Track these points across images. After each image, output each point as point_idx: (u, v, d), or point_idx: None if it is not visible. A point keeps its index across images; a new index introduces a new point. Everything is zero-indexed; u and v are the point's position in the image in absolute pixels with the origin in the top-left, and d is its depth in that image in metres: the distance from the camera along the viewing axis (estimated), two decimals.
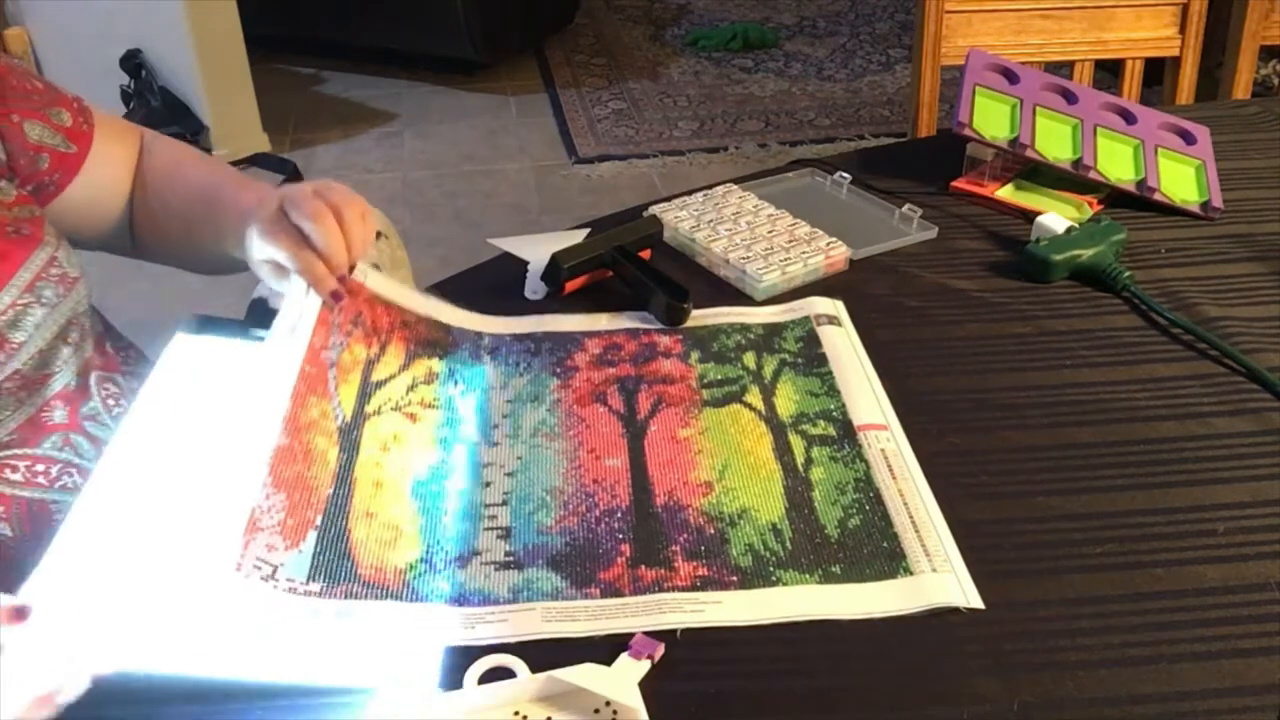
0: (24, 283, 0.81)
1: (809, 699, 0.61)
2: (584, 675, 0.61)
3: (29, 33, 0.84)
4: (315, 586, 0.64)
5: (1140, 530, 0.72)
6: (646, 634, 0.63)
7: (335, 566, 0.66)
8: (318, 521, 0.68)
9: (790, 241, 1.02)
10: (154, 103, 2.94)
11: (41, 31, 2.94)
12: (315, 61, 3.72)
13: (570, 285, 0.97)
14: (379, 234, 1.47)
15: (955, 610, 0.66)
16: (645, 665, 0.61)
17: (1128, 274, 0.98)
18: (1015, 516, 0.73)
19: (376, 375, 0.81)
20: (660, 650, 0.62)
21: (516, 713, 0.59)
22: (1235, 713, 0.60)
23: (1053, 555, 0.70)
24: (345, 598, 0.64)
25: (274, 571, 0.63)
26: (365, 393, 0.79)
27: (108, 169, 0.92)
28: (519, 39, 3.75)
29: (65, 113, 0.90)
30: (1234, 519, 0.73)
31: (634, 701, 0.59)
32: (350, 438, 0.75)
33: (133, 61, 2.95)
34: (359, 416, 0.77)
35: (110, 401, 0.88)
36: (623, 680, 0.60)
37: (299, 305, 0.79)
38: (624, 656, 0.62)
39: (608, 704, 0.59)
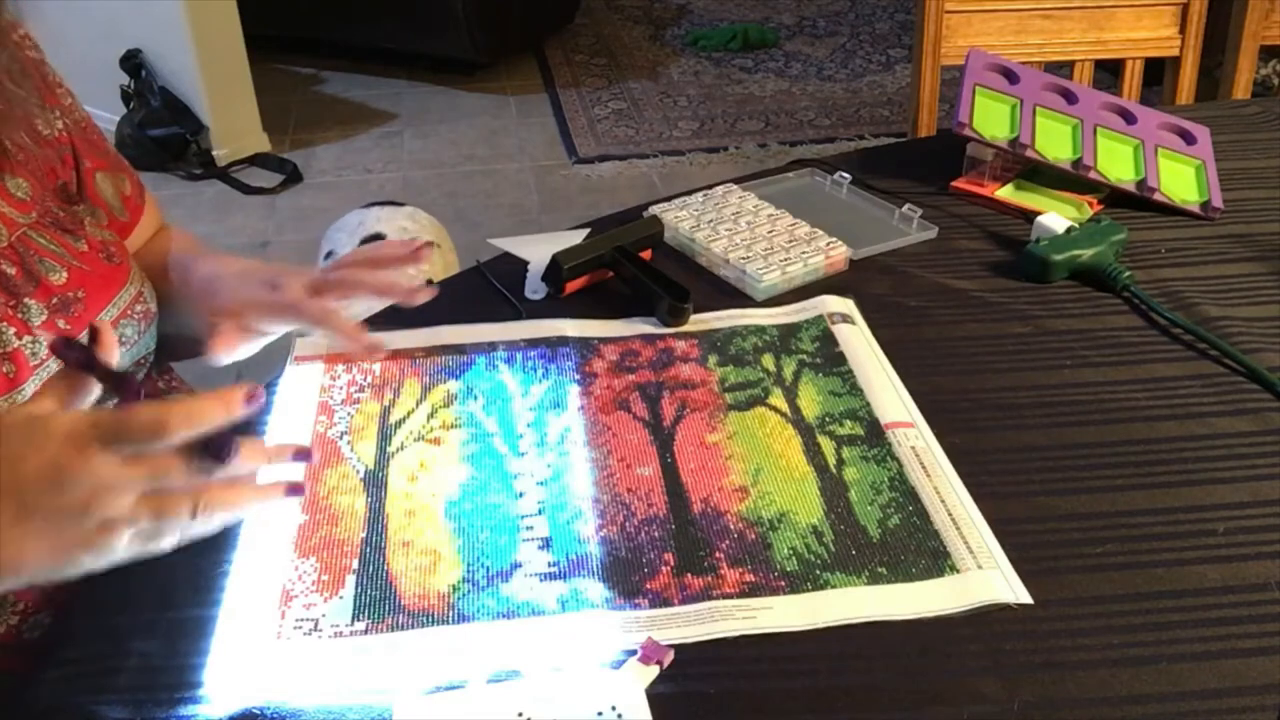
0: (111, 319, 0.81)
1: (809, 700, 0.61)
2: (590, 678, 0.61)
3: (29, 32, 0.84)
4: (360, 625, 0.64)
5: (1140, 530, 0.72)
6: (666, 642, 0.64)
7: (378, 602, 0.66)
8: (354, 566, 0.69)
9: (790, 241, 1.02)
10: (154, 103, 2.95)
11: (41, 31, 2.94)
12: (315, 61, 3.72)
13: (571, 285, 0.97)
14: (434, 244, 1.48)
15: (955, 611, 0.66)
16: (654, 671, 0.61)
17: (1128, 274, 0.99)
18: (1015, 516, 0.73)
19: (394, 417, 0.82)
20: (670, 656, 0.62)
21: (521, 713, 0.59)
22: (1235, 713, 0.60)
23: (1052, 555, 0.70)
24: (391, 630, 0.64)
25: (316, 624, 0.64)
26: (385, 436, 0.80)
27: (138, 244, 0.93)
28: (519, 39, 3.76)
29: (127, 181, 0.91)
30: (1234, 519, 0.73)
31: (640, 706, 0.59)
32: (377, 480, 0.76)
33: (133, 61, 2.95)
34: (383, 458, 0.78)
35: None
36: (629, 684, 0.60)
37: (296, 392, 0.83)
38: (632, 660, 0.62)
39: (612, 708, 0.59)
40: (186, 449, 0.55)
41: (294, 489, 0.60)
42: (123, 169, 0.91)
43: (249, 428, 0.80)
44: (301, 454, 0.63)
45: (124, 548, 0.55)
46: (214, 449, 0.55)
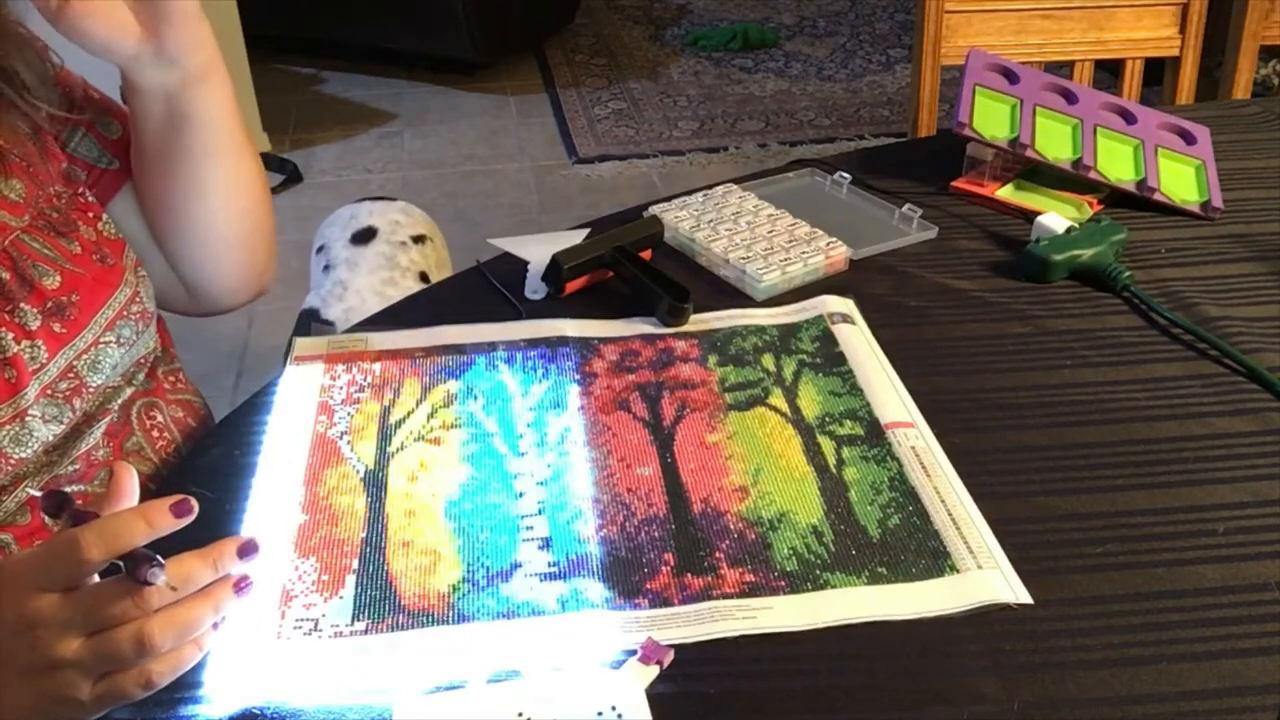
0: (106, 320, 0.79)
1: (809, 700, 0.61)
2: (590, 678, 0.61)
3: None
4: (360, 625, 0.64)
5: (1140, 530, 0.72)
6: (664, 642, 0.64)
7: (378, 602, 0.66)
8: (354, 566, 0.69)
9: (790, 241, 1.02)
10: None
11: (41, 31, 2.94)
12: (315, 61, 3.72)
13: (571, 285, 0.97)
14: (425, 238, 1.48)
15: (955, 611, 0.66)
16: (654, 671, 0.61)
17: (1128, 274, 0.99)
18: (1015, 516, 0.73)
19: (394, 417, 0.82)
20: (670, 656, 0.62)
21: (521, 713, 0.59)
22: (1235, 713, 0.60)
23: (1052, 555, 0.70)
24: (391, 630, 0.64)
25: (316, 624, 0.64)
26: (385, 436, 0.80)
27: None
28: (519, 39, 3.76)
29: (116, 124, 0.87)
30: (1234, 519, 0.73)
31: (640, 706, 0.59)
32: (377, 480, 0.76)
33: None
34: (383, 458, 0.77)
35: (155, 434, 0.86)
36: (629, 684, 0.60)
37: (296, 392, 0.83)
38: (632, 661, 0.62)
39: (612, 708, 0.59)
40: (122, 572, 0.53)
41: (242, 585, 0.58)
42: (111, 112, 0.87)
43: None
44: (248, 549, 0.58)
45: (91, 694, 0.54)
46: (132, 570, 0.53)
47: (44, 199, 0.79)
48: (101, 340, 0.79)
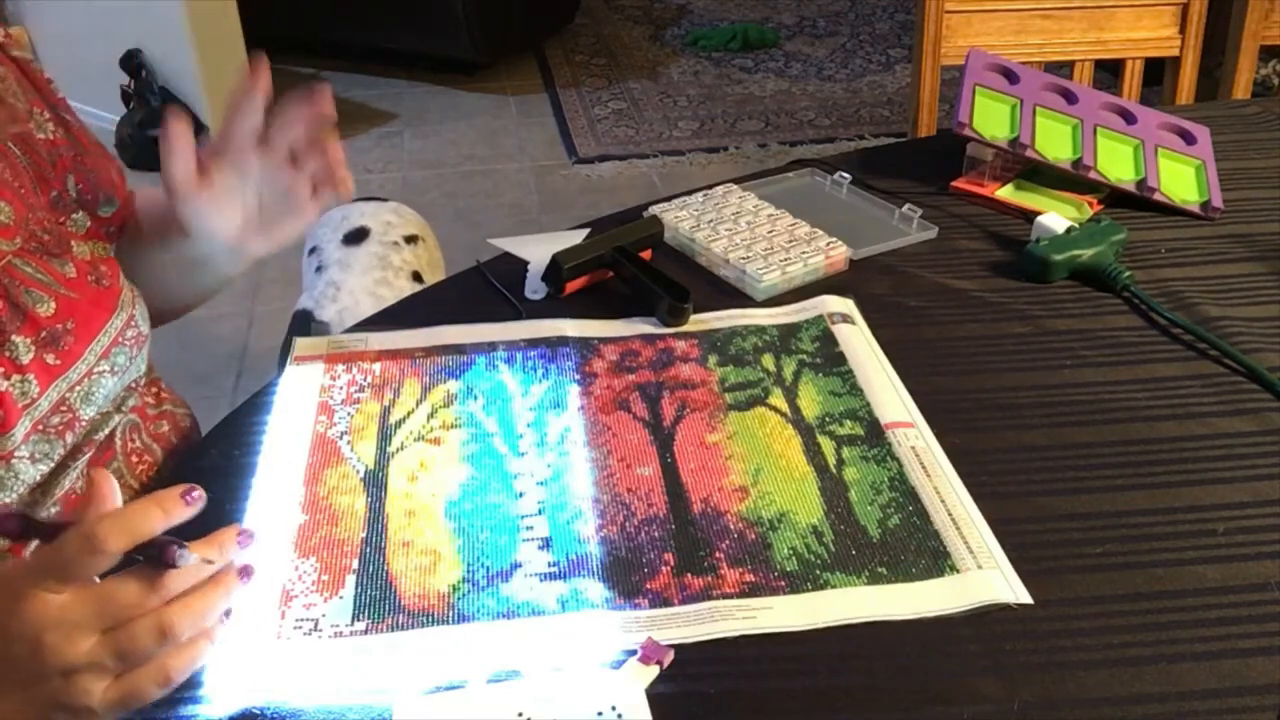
0: (101, 348, 0.76)
1: (809, 700, 0.61)
2: (590, 678, 0.61)
3: (29, 33, 0.83)
4: (360, 625, 0.64)
5: (1140, 530, 0.72)
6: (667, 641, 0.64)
7: (378, 602, 0.66)
8: (354, 566, 0.69)
9: (790, 241, 1.02)
10: (154, 103, 2.94)
11: (41, 31, 2.94)
12: (315, 61, 3.72)
13: (571, 285, 0.97)
14: (417, 238, 1.47)
15: (955, 611, 0.66)
16: (654, 671, 0.61)
17: (1128, 274, 0.99)
18: (1015, 516, 0.73)
19: (394, 417, 0.82)
20: (670, 656, 0.62)
21: (521, 713, 0.59)
22: (1235, 713, 0.60)
23: (1052, 555, 0.70)
24: (391, 630, 0.64)
25: (316, 624, 0.64)
26: (385, 436, 0.80)
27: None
28: (519, 39, 3.76)
29: (112, 167, 0.88)
30: (1234, 519, 0.73)
31: (640, 706, 0.59)
32: (377, 480, 0.76)
33: (133, 61, 2.95)
34: (383, 458, 0.78)
35: (134, 458, 0.83)
36: (629, 684, 0.60)
37: (296, 392, 0.84)
38: (632, 660, 0.62)
39: (613, 708, 0.59)
40: (137, 565, 0.53)
41: (246, 572, 0.58)
42: (108, 156, 0.88)
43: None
44: (244, 537, 0.59)
45: (104, 699, 0.53)
46: (157, 556, 0.53)
47: (35, 221, 0.75)
48: (96, 370, 0.76)
